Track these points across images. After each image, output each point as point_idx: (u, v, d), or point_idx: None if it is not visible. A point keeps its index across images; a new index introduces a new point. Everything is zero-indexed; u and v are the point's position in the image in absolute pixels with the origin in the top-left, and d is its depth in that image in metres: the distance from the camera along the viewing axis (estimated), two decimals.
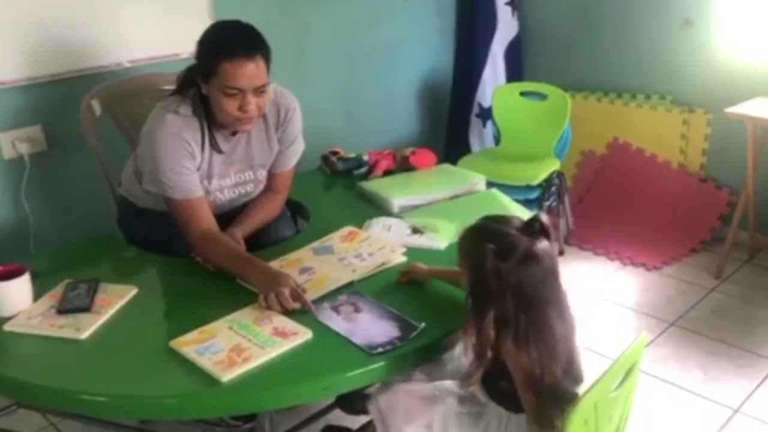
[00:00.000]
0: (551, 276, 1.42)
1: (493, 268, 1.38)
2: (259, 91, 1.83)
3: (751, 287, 3.00)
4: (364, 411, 1.96)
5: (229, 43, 1.80)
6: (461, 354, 1.72)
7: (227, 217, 2.02)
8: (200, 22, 2.43)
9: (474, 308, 1.44)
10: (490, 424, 1.54)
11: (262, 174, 2.08)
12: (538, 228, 1.42)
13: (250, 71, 1.79)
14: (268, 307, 1.61)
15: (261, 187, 2.09)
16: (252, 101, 1.82)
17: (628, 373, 1.40)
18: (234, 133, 1.97)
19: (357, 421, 2.02)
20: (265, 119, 2.01)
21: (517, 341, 1.39)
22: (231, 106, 1.82)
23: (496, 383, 1.51)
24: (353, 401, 1.96)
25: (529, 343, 1.38)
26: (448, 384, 1.62)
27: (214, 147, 1.94)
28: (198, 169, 1.92)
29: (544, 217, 1.43)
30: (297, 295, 1.62)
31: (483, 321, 1.41)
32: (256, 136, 2.01)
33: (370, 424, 1.93)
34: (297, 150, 2.12)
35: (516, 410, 1.50)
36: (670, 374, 2.45)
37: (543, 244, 1.41)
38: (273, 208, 2.10)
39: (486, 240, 1.41)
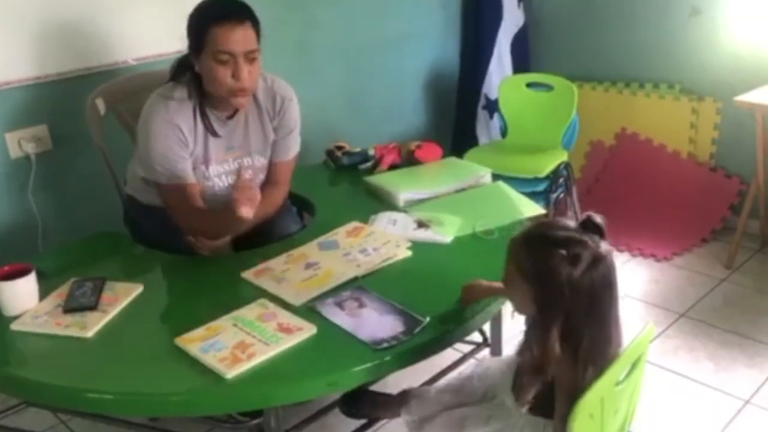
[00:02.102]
0: (614, 277, 1.34)
1: (567, 276, 1.28)
2: (251, 57, 1.85)
3: (763, 277, 2.97)
4: (367, 415, 1.98)
5: (218, 9, 1.85)
6: (482, 374, 1.71)
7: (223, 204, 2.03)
8: None
9: (541, 321, 1.33)
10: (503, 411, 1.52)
11: (260, 161, 2.08)
12: (592, 227, 1.34)
13: (240, 35, 1.83)
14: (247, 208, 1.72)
15: (260, 175, 2.09)
16: (244, 68, 1.84)
17: (635, 365, 1.38)
18: (230, 117, 1.98)
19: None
20: (259, 105, 2.02)
21: (576, 356, 1.30)
22: (224, 73, 1.84)
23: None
24: (359, 405, 1.97)
25: (589, 358, 1.30)
26: (475, 409, 1.61)
27: (209, 130, 1.95)
28: (191, 154, 1.94)
29: (596, 216, 1.35)
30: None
31: (549, 334, 1.30)
32: (253, 121, 2.03)
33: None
34: (295, 140, 2.12)
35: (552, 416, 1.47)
36: (680, 365, 2.43)
37: (604, 244, 1.33)
38: (271, 200, 2.08)
39: (553, 247, 1.30)
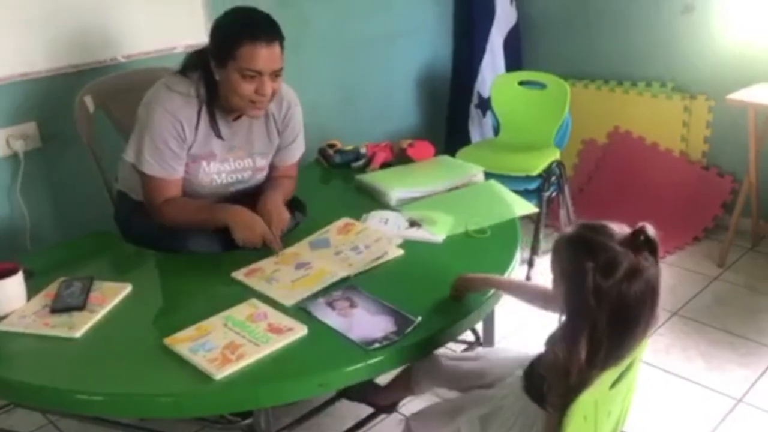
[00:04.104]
0: (651, 295, 1.29)
1: (594, 286, 1.25)
2: (275, 74, 1.88)
3: (754, 275, 2.97)
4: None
5: (252, 26, 1.84)
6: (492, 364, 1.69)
7: (217, 200, 2.05)
8: (194, 16, 2.40)
9: (569, 326, 1.31)
10: (518, 419, 1.48)
11: (261, 163, 2.09)
12: (642, 241, 1.28)
13: (270, 55, 1.84)
14: (246, 244, 1.85)
15: (258, 175, 2.11)
16: (268, 84, 1.86)
17: (629, 367, 1.37)
18: (237, 119, 1.99)
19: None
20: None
21: (591, 362, 1.27)
22: (248, 88, 1.85)
23: (538, 376, 1.43)
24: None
25: (604, 366, 1.27)
26: (477, 392, 1.60)
27: (215, 131, 1.95)
28: (189, 149, 1.94)
29: (650, 229, 1.29)
30: (269, 239, 1.86)
31: (576, 340, 1.26)
32: (258, 124, 2.04)
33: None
34: (300, 144, 2.17)
35: (529, 392, 1.47)
36: (672, 364, 2.43)
37: (648, 260, 1.28)
38: (288, 187, 2.13)
39: (586, 255, 1.27)
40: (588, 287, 1.25)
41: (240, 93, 1.86)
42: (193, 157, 1.96)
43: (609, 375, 1.30)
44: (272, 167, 2.14)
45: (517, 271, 1.81)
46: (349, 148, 2.53)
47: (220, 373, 1.38)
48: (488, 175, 2.37)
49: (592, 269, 1.25)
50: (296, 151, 2.16)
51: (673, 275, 3.00)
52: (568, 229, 1.38)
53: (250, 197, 2.06)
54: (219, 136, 1.97)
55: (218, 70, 1.88)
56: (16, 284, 1.64)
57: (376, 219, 2.02)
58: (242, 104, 1.89)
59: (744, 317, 2.68)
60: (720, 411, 2.21)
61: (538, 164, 2.96)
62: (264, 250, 1.86)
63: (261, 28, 1.84)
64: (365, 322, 1.54)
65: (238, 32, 1.83)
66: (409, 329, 1.51)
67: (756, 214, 3.14)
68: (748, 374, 2.37)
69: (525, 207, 2.15)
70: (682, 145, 3.39)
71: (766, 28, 3.03)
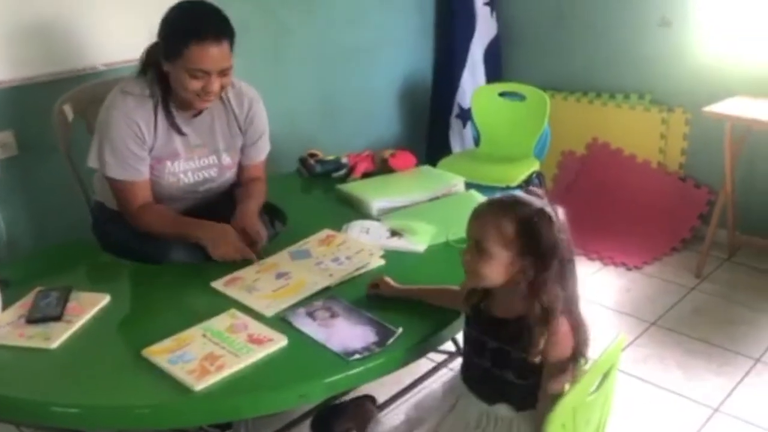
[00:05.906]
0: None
1: (549, 232, 1.40)
2: (224, 72, 1.87)
3: (731, 286, 3.01)
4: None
5: (197, 26, 1.83)
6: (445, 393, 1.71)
7: (190, 203, 2.06)
8: None
9: (536, 277, 1.40)
10: (497, 424, 1.50)
11: (226, 160, 2.09)
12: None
13: (217, 54, 1.83)
14: (225, 260, 1.83)
15: (226, 173, 2.11)
16: (216, 82, 1.87)
17: (606, 375, 1.38)
18: (196, 115, 1.99)
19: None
20: (226, 106, 2.04)
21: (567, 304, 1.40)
22: (195, 85, 1.86)
23: (504, 378, 1.47)
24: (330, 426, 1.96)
25: (572, 310, 1.41)
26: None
27: (174, 127, 1.96)
28: (151, 150, 1.94)
29: (539, 190, 1.51)
30: (247, 253, 1.84)
31: (549, 283, 1.39)
32: (219, 121, 2.04)
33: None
34: (267, 140, 2.17)
35: (522, 407, 1.48)
36: (650, 374, 2.45)
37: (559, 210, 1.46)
38: (261, 193, 2.13)
39: (532, 207, 1.41)
40: (554, 233, 1.40)
41: (187, 89, 1.86)
42: (157, 157, 1.96)
43: (586, 382, 1.31)
44: (241, 168, 2.14)
45: None
46: (331, 158, 2.53)
47: (199, 385, 1.37)
48: (469, 186, 2.38)
49: (546, 217, 1.40)
50: (263, 148, 2.16)
51: (651, 285, 3.03)
52: (486, 204, 1.49)
53: (223, 198, 2.09)
54: (179, 132, 1.96)
55: (166, 64, 1.88)
56: None
57: (357, 229, 2.02)
58: (190, 98, 1.90)
59: (721, 327, 2.71)
60: (697, 420, 2.23)
61: (517, 175, 2.99)
62: (243, 262, 1.85)
63: (208, 27, 1.83)
64: (346, 333, 1.53)
65: (185, 31, 1.83)
66: (391, 340, 1.50)
67: (732, 225, 3.18)
68: (724, 383, 2.39)
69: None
70: (659, 157, 3.43)
71: (742, 42, 3.08)
